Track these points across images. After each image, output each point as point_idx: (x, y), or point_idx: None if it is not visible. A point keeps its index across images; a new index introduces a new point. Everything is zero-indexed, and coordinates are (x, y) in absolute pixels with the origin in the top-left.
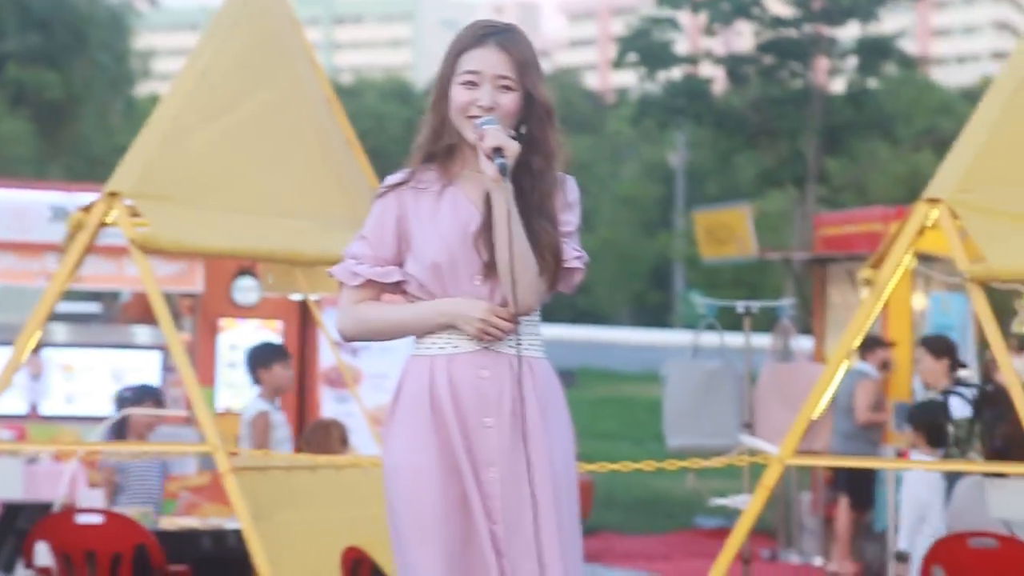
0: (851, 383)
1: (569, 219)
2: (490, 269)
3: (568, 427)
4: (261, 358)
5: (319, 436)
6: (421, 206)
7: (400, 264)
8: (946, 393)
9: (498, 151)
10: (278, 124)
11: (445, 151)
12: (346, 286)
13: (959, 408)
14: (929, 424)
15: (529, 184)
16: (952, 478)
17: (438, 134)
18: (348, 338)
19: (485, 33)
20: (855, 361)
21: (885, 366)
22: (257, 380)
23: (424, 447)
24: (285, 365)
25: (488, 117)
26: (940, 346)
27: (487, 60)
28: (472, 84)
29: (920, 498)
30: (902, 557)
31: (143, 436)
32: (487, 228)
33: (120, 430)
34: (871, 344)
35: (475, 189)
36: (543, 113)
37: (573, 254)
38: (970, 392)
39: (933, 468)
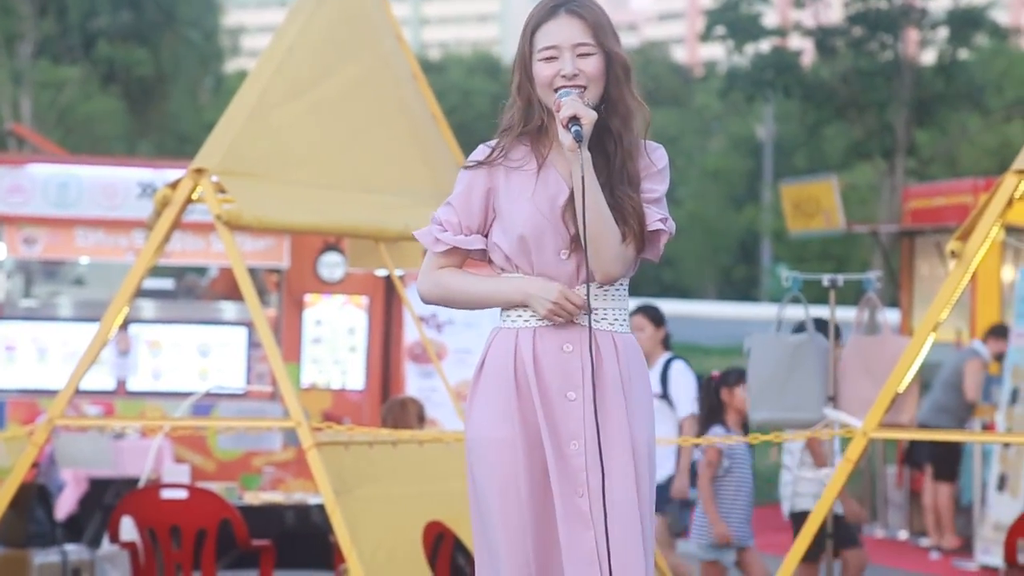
0: (961, 360)
1: (654, 187)
2: (577, 242)
3: (650, 403)
4: None
5: (396, 412)
6: (514, 182)
7: (485, 235)
8: (669, 361)
9: (574, 120)
10: (363, 100)
11: (537, 131)
12: (430, 251)
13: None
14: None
15: (612, 148)
16: None
17: (528, 115)
18: (426, 301)
19: (555, 4)
20: (972, 341)
21: (999, 357)
22: None
23: (507, 419)
24: None
25: (566, 88)
26: (658, 315)
27: (562, 31)
28: (552, 58)
29: None
30: None
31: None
32: (575, 202)
33: (716, 413)
34: (1000, 332)
35: (566, 165)
36: (619, 74)
37: (656, 216)
38: None
39: (1017, 442)
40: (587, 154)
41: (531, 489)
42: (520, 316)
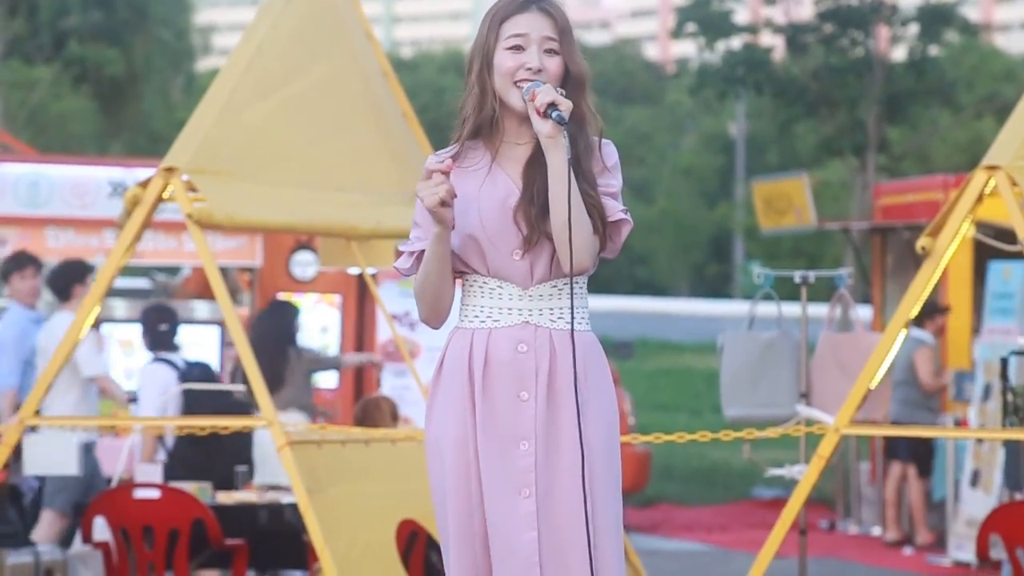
0: (908, 351)
1: (609, 182)
2: (529, 243)
3: (610, 401)
4: None
5: (370, 411)
6: (466, 184)
7: None
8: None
9: (552, 106)
10: (334, 98)
11: (489, 123)
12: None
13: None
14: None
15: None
16: (1012, 445)
17: (482, 105)
18: (425, 321)
19: (526, 0)
20: (911, 328)
21: (940, 332)
22: None
23: (461, 420)
24: None
25: (535, 80)
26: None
27: (533, 24)
28: (519, 48)
29: None
30: None
31: None
32: (526, 202)
33: None
34: (929, 311)
35: (514, 164)
36: (577, 81)
37: (617, 207)
38: (179, 359)
39: (990, 437)
40: (566, 141)
41: (484, 489)
42: (476, 317)
